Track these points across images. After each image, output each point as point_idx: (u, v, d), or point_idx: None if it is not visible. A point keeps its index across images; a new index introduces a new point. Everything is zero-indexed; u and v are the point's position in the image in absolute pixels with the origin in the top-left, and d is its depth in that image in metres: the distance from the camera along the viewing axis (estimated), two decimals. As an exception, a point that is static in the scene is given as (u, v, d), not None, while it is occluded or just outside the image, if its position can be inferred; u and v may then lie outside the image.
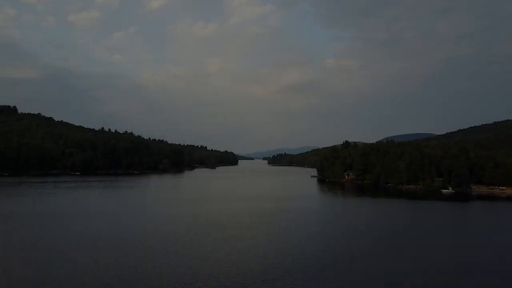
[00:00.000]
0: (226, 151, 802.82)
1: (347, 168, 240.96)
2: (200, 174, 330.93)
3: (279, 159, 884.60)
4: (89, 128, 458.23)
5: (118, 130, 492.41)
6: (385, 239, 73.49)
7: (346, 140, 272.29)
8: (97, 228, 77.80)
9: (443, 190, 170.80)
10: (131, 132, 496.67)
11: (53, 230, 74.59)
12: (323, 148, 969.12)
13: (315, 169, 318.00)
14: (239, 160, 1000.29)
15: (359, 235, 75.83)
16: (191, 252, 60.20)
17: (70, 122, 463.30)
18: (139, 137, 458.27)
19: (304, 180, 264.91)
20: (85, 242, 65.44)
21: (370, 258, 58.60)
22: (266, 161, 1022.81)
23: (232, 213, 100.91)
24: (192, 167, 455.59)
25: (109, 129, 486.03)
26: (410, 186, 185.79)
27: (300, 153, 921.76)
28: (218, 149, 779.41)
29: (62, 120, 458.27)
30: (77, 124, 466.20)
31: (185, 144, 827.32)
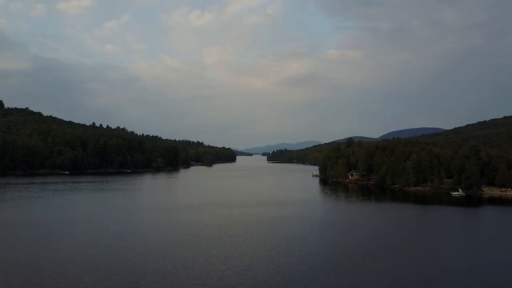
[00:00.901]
0: (223, 147, 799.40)
1: (351, 168, 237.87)
2: (196, 174, 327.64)
3: (279, 156, 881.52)
4: (79, 124, 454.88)
5: (110, 126, 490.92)
6: (390, 252, 70.36)
7: (349, 138, 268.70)
8: (73, 246, 74.49)
9: (453, 193, 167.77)
10: (124, 128, 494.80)
11: (32, 251, 71.21)
12: (325, 143, 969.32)
13: (317, 167, 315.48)
14: (237, 157, 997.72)
15: (363, 248, 72.67)
16: (182, 272, 56.96)
17: (59, 117, 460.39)
18: (132, 133, 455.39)
19: (305, 180, 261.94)
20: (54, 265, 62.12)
21: (376, 276, 55.47)
22: (266, 158, 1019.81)
23: (227, 222, 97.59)
24: (187, 165, 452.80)
25: (101, 125, 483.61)
26: (417, 188, 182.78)
27: (301, 149, 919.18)
28: (215, 145, 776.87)
29: (51, 115, 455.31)
30: (67, 120, 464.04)
31: (181, 140, 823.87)
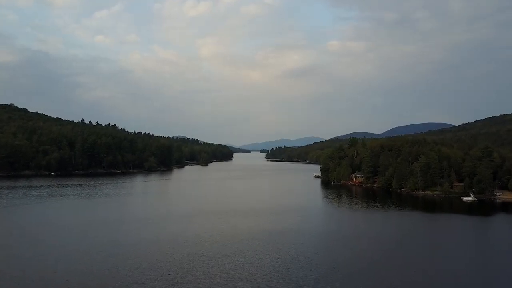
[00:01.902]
0: (219, 145, 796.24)
1: (355, 169, 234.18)
2: (190, 174, 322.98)
3: (278, 153, 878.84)
4: (67, 121, 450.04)
5: (100, 122, 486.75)
6: (399, 272, 66.52)
7: (353, 137, 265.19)
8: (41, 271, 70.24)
9: (464, 198, 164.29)
10: (114, 125, 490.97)
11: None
12: (326, 140, 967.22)
13: (318, 166, 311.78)
14: (234, 154, 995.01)
15: (368, 268, 68.83)
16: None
17: (46, 114, 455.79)
18: (123, 131, 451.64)
19: (306, 182, 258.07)
20: None
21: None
22: (264, 155, 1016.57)
23: (222, 237, 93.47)
24: (182, 164, 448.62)
25: (90, 122, 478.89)
26: (426, 192, 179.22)
27: (301, 146, 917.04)
28: (211, 141, 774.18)
29: (37, 112, 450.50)
30: (55, 116, 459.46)
31: (175, 137, 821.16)
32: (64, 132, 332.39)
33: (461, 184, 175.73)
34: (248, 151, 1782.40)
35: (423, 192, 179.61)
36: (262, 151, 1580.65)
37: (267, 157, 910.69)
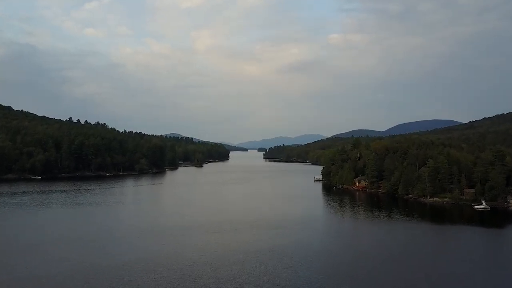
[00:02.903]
0: (215, 144, 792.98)
1: (358, 173, 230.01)
2: (183, 178, 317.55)
3: (276, 152, 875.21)
4: (54, 119, 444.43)
5: (88, 121, 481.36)
6: None
7: (356, 138, 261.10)
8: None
9: (476, 206, 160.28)
10: (104, 124, 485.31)
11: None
12: (327, 139, 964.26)
13: (319, 167, 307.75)
14: (231, 153, 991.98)
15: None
16: None
17: (32, 112, 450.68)
18: (113, 130, 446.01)
19: (306, 186, 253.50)
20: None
21: None
22: (262, 154, 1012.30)
23: (216, 256, 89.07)
24: (175, 166, 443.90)
25: (78, 120, 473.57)
26: (435, 199, 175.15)
27: (301, 145, 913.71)
28: (207, 139, 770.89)
29: (22, 110, 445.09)
30: (41, 114, 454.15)
31: (168, 135, 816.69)
32: (50, 133, 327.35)
33: (472, 190, 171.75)
34: (245, 150, 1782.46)
35: (432, 199, 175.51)
36: (260, 149, 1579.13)
37: (265, 156, 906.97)
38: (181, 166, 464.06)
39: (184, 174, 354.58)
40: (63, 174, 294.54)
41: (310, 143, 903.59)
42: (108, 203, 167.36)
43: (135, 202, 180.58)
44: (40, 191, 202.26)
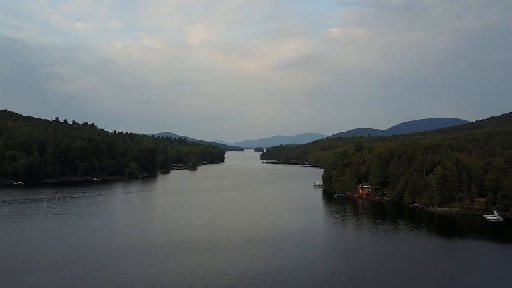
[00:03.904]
0: (210, 145, 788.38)
1: (361, 179, 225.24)
2: (175, 183, 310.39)
3: (274, 153, 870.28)
4: (39, 119, 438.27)
5: (76, 121, 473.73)
6: None
7: (356, 136, 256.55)
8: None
9: (488, 217, 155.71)
10: (92, 124, 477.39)
11: None
12: (327, 138, 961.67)
13: (319, 169, 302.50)
14: (226, 153, 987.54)
15: None
16: None
17: (16, 112, 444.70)
18: (102, 131, 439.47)
19: (306, 192, 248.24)
20: None
21: None
22: (259, 154, 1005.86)
23: (208, 285, 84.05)
24: (167, 169, 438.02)
25: (65, 120, 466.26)
26: (443, 208, 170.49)
27: (300, 145, 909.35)
28: (201, 138, 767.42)
29: (6, 109, 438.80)
30: (26, 114, 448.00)
31: (161, 135, 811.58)
32: (34, 135, 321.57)
33: (483, 199, 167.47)
34: (242, 150, 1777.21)
35: (440, 209, 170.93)
36: (257, 149, 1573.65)
37: (262, 157, 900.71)
38: (173, 169, 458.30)
39: (176, 179, 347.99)
40: (47, 179, 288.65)
41: (309, 143, 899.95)
42: (93, 215, 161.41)
43: (122, 214, 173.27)
44: (21, 199, 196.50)
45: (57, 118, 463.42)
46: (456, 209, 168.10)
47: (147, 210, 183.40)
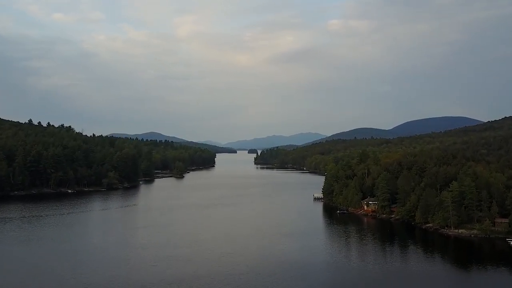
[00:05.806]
0: (200, 148, 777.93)
1: (366, 193, 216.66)
2: (159, 196, 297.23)
3: (269, 156, 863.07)
4: (10, 122, 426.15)
5: (52, 123, 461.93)
6: None
7: (363, 150, 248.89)
8: None
9: (511, 241, 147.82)
10: (69, 127, 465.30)
11: None
12: (326, 140, 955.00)
13: (318, 176, 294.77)
14: (217, 155, 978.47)
15: None
16: None
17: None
18: (79, 135, 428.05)
19: (305, 208, 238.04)
20: None
21: None
22: (253, 157, 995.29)
23: None
24: (151, 177, 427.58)
25: (39, 123, 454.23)
26: (460, 230, 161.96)
27: (297, 146, 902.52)
28: (190, 139, 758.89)
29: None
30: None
31: (146, 137, 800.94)
32: (1, 142, 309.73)
33: (506, 220, 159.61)
34: (234, 151, 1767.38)
35: (456, 231, 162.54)
36: (250, 151, 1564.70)
37: (256, 161, 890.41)
38: (158, 177, 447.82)
39: (159, 191, 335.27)
40: (16, 192, 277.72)
41: (307, 144, 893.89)
42: (60, 241, 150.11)
43: (94, 241, 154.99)
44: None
45: (30, 120, 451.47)
46: (475, 231, 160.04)
47: (123, 235, 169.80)
